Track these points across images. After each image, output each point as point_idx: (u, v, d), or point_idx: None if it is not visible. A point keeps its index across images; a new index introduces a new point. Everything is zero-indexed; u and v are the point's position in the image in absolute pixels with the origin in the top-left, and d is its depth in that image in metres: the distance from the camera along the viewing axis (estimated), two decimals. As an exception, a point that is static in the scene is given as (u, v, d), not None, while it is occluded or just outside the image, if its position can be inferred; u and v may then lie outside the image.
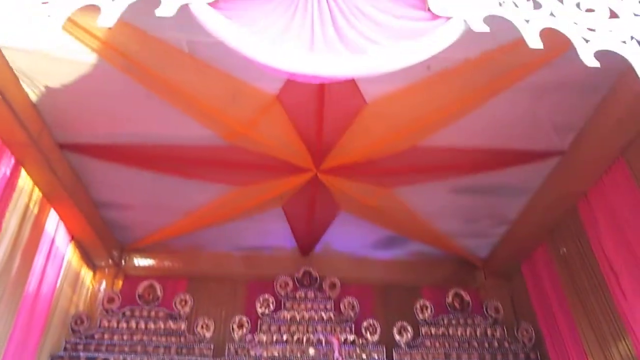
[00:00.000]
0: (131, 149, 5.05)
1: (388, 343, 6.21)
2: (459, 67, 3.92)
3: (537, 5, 2.86)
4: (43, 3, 2.68)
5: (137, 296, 6.46)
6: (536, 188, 5.51)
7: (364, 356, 6.03)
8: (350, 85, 4.16)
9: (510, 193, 5.70)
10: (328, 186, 5.59)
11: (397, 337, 6.23)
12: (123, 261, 7.04)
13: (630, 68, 2.74)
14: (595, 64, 2.70)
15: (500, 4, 2.85)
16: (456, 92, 4.19)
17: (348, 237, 6.95)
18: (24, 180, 4.89)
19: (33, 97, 4.37)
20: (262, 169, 5.40)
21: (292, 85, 4.09)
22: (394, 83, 4.16)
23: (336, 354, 5.61)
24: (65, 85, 4.22)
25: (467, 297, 6.64)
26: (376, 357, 6.03)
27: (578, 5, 2.88)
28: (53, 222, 5.53)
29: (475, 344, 6.19)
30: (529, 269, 6.44)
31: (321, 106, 4.41)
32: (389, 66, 2.88)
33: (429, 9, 2.91)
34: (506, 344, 6.20)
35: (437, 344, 6.19)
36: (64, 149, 5.03)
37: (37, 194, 5.13)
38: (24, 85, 4.24)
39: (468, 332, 6.31)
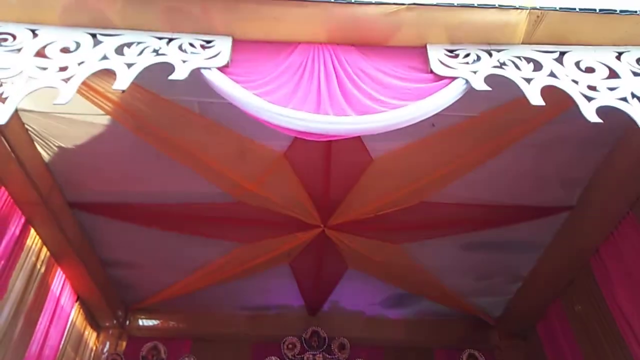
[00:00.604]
0: (140, 208, 5.10)
1: (401, 411, 5.93)
2: (463, 124, 3.99)
3: (538, 67, 2.95)
4: (61, 69, 2.80)
5: (140, 358, 6.29)
6: (547, 243, 5.45)
7: None
8: (357, 142, 4.23)
9: (521, 249, 5.63)
10: (336, 242, 5.55)
11: (409, 400, 5.96)
12: (127, 321, 6.91)
13: (633, 123, 2.79)
14: (598, 120, 2.75)
15: (501, 66, 2.95)
16: (461, 149, 4.24)
17: (357, 296, 6.82)
18: (33, 239, 4.89)
19: (46, 157, 4.46)
20: (269, 226, 5.40)
21: (300, 143, 4.18)
22: (400, 140, 4.22)
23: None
24: (77, 146, 4.32)
25: (482, 359, 6.39)
26: None
27: (577, 64, 2.98)
28: (59, 282, 5.48)
29: (493, 409, 5.91)
30: (544, 327, 6.24)
31: (328, 163, 4.47)
32: (394, 124, 2.95)
33: (431, 71, 3.01)
34: (525, 408, 5.91)
35: (453, 411, 5.91)
36: (74, 208, 5.08)
37: (44, 253, 5.12)
38: (38, 146, 4.34)
39: (484, 397, 6.04)
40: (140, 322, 6.98)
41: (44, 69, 2.81)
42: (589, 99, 2.83)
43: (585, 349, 5.34)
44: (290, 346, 6.53)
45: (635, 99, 2.85)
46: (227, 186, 4.76)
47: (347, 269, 6.22)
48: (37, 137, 4.24)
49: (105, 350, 6.69)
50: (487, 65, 2.96)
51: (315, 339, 6.66)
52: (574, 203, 4.85)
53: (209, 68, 2.90)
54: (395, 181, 4.68)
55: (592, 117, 2.76)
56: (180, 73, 2.83)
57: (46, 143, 4.31)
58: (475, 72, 2.94)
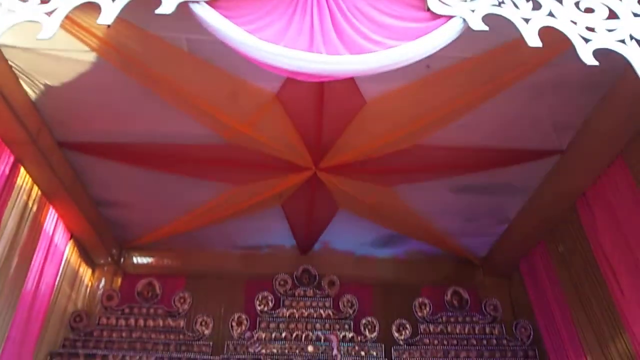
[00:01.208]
0: (130, 148, 5.06)
1: (387, 341, 6.23)
2: (458, 65, 3.92)
3: (537, 6, 2.87)
4: (43, 2, 2.68)
5: (136, 294, 6.46)
6: (535, 187, 5.52)
7: (362, 353, 6.04)
8: (350, 84, 4.16)
9: (510, 192, 5.72)
10: (327, 184, 5.59)
11: (395, 334, 6.25)
12: (122, 259, 7.05)
13: (629, 67, 2.75)
14: (594, 62, 2.72)
15: (499, 4, 2.86)
16: (455, 91, 4.19)
17: (347, 236, 6.97)
18: (23, 178, 4.88)
19: (32, 95, 4.36)
20: (261, 168, 5.40)
21: (292, 84, 4.10)
22: (393, 82, 4.15)
23: (335, 351, 5.63)
24: (64, 84, 4.21)
25: (465, 295, 6.66)
26: (374, 355, 6.04)
27: (577, 5, 2.89)
28: (52, 221, 5.53)
29: (474, 342, 6.22)
30: (527, 267, 6.47)
31: (320, 105, 4.41)
32: (388, 65, 2.89)
33: (428, 9, 2.92)
34: (504, 342, 6.23)
35: (436, 342, 6.21)
36: (63, 147, 5.03)
37: (36, 192, 5.13)
38: (23, 84, 4.23)
39: (467, 330, 6.33)
40: (135, 260, 7.13)
41: (25, 1, 2.70)
42: (587, 40, 2.78)
43: (566, 287, 5.54)
44: (282, 283, 6.73)
45: (633, 41, 2.80)
46: (218, 127, 4.71)
47: (338, 210, 6.30)
48: (22, 74, 4.13)
49: (100, 286, 6.87)
50: (485, 3, 2.87)
51: (306, 276, 6.86)
52: (565, 147, 4.87)
53: (198, 2, 2.78)
54: (388, 124, 4.66)
55: (589, 60, 2.72)
56: (167, 7, 2.71)
57: (32, 81, 4.20)
58: (473, 11, 2.85)
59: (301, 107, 4.50)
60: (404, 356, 6.07)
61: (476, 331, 6.33)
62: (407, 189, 5.72)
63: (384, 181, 5.63)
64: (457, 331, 6.33)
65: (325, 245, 7.17)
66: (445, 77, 4.02)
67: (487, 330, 6.34)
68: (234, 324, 6.23)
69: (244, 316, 6.31)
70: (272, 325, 6.29)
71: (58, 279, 5.77)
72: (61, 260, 5.83)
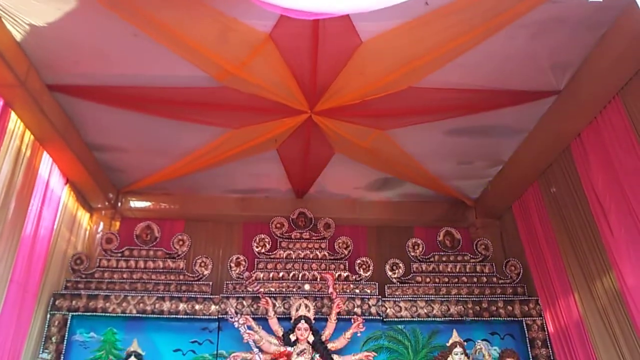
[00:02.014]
0: (121, 91, 4.96)
1: (380, 279, 6.42)
2: (457, 2, 3.80)
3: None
4: None
5: (134, 237, 6.56)
6: (531, 129, 5.53)
7: (357, 291, 6.25)
8: (345, 22, 4.03)
9: (505, 134, 5.72)
10: (322, 128, 5.56)
11: (389, 273, 6.44)
12: (119, 203, 7.10)
13: (631, 4, 2.68)
14: (597, -2, 2.64)
15: None
16: (454, 29, 4.08)
17: (342, 180, 7.02)
18: (14, 123, 4.82)
19: (17, 36, 4.23)
20: (255, 111, 5.34)
21: (285, 22, 3.97)
22: (391, 20, 4.03)
23: (330, 289, 5.81)
24: (49, 24, 4.07)
25: (457, 235, 6.80)
26: (368, 292, 6.25)
27: None
28: (47, 165, 5.51)
29: (465, 279, 6.42)
30: (519, 208, 6.58)
31: (315, 45, 4.30)
32: (386, 2, 2.79)
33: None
34: (494, 279, 6.44)
35: (428, 280, 6.41)
36: (53, 91, 4.94)
37: (28, 136, 5.08)
38: (7, 24, 4.09)
39: (458, 268, 6.53)
40: (132, 204, 7.18)
41: None
42: (590, -26, 2.69)
43: (556, 227, 5.67)
44: (278, 225, 6.83)
45: (638, -25, 2.71)
46: (211, 69, 4.61)
47: (334, 154, 6.31)
48: (4, 13, 3.97)
49: (99, 230, 6.96)
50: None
51: (302, 219, 6.96)
52: (562, 88, 4.83)
53: None
54: (385, 65, 4.57)
55: (592, -5, 2.65)
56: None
57: (15, 20, 4.05)
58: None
59: (295, 48, 4.39)
60: (397, 293, 6.29)
61: (467, 269, 6.53)
62: (402, 132, 5.70)
63: (379, 124, 5.59)
64: (449, 269, 6.53)
65: (321, 189, 7.24)
66: (444, 15, 3.91)
67: (478, 268, 6.54)
68: (232, 264, 6.38)
69: (242, 257, 6.45)
70: (269, 265, 6.45)
71: (56, 223, 5.83)
72: (58, 204, 5.86)
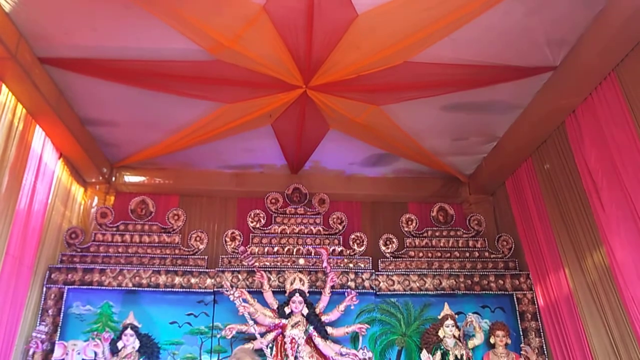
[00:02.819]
0: (114, 64, 4.91)
1: (374, 254, 6.49)
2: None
3: None
4: None
5: (129, 211, 6.56)
6: (525, 105, 5.53)
7: (351, 265, 6.33)
8: (341, -6, 3.99)
9: (500, 110, 5.72)
10: (317, 103, 5.54)
11: (382, 248, 6.51)
12: (113, 178, 7.08)
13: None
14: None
15: None
16: (450, 3, 4.04)
17: (337, 155, 7.02)
18: (6, 96, 4.77)
19: (6, 6, 4.15)
20: (250, 86, 5.30)
21: (280, -7, 3.92)
22: (387, -7, 3.99)
23: (324, 263, 5.88)
24: (39, -6, 4.00)
25: (451, 211, 6.86)
26: (362, 266, 6.33)
27: None
28: (39, 139, 5.47)
29: (457, 254, 6.51)
30: (512, 184, 6.63)
31: (310, 17, 4.25)
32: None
33: None
34: (486, 254, 6.53)
35: (421, 254, 6.50)
36: (45, 63, 4.88)
37: (20, 110, 5.03)
38: (-5, -6, 4.02)
39: (450, 243, 6.61)
40: (127, 179, 7.16)
41: None
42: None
43: (549, 203, 5.72)
44: (273, 201, 6.85)
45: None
46: (204, 42, 4.56)
47: (329, 130, 6.30)
48: (-7, -17, 3.90)
49: (94, 204, 6.95)
50: None
51: (296, 194, 6.99)
52: (558, 63, 4.82)
53: None
54: (381, 39, 4.53)
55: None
56: None
57: (3, -10, 3.98)
58: None
59: (290, 20, 4.33)
60: (390, 267, 6.37)
61: (459, 244, 6.61)
62: (397, 108, 5.68)
63: (374, 99, 5.57)
64: (442, 244, 6.60)
65: (316, 165, 7.24)
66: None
67: (470, 243, 6.62)
68: (227, 239, 6.42)
69: (237, 232, 6.49)
70: (264, 240, 6.50)
71: (51, 197, 5.81)
72: (52, 178, 5.84)
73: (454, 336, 5.63)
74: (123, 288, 5.92)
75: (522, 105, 5.56)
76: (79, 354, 5.21)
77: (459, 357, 5.52)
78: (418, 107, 5.63)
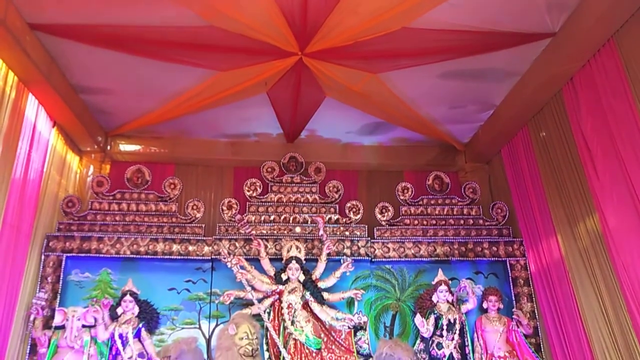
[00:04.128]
0: (105, 30, 4.81)
1: (370, 222, 6.56)
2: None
3: None
4: None
5: (125, 180, 6.56)
6: (523, 72, 5.49)
7: (347, 233, 6.39)
8: (337, -44, 3.90)
9: (497, 77, 5.68)
10: (313, 70, 5.48)
11: (378, 216, 6.57)
12: (108, 147, 7.04)
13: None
14: None
15: None
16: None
17: (334, 124, 6.99)
18: (-4, 63, 4.70)
19: (-7, -31, 4.04)
20: (244, 53, 5.22)
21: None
22: (384, -45, 3.90)
23: (321, 231, 5.94)
24: (27, -44, 3.89)
25: (446, 179, 6.90)
26: (358, 234, 6.39)
27: None
28: (33, 107, 5.40)
29: (452, 222, 6.58)
30: (508, 152, 6.64)
31: (306, -19, 4.17)
32: None
33: None
34: (480, 222, 6.60)
35: (416, 222, 6.56)
36: (35, 29, 4.78)
37: (12, 78, 4.95)
38: (-19, -43, 3.90)
39: (445, 211, 6.67)
40: (122, 147, 7.12)
41: None
42: None
43: (544, 171, 5.75)
44: (269, 170, 6.86)
45: None
46: (198, 7, 4.47)
47: (325, 98, 6.25)
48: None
49: (89, 173, 6.94)
50: None
51: (293, 163, 6.99)
52: (557, 30, 4.76)
53: None
54: (378, 2, 4.44)
55: None
56: None
57: (-10, -48, 3.86)
58: None
59: (285, -17, 4.25)
60: (386, 235, 6.44)
61: (454, 212, 6.67)
62: (394, 76, 5.64)
63: (371, 67, 5.52)
64: (437, 212, 6.67)
65: (312, 133, 7.22)
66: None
67: (465, 211, 6.69)
68: (224, 207, 6.45)
69: (233, 200, 6.51)
70: (261, 209, 6.54)
71: (46, 165, 5.79)
72: (47, 147, 5.79)
73: (448, 301, 5.76)
74: (121, 256, 5.98)
75: (520, 72, 5.52)
76: (79, 320, 5.28)
77: (452, 321, 5.66)
78: (415, 75, 5.58)
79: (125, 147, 7.14)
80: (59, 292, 5.72)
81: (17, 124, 5.08)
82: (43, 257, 5.82)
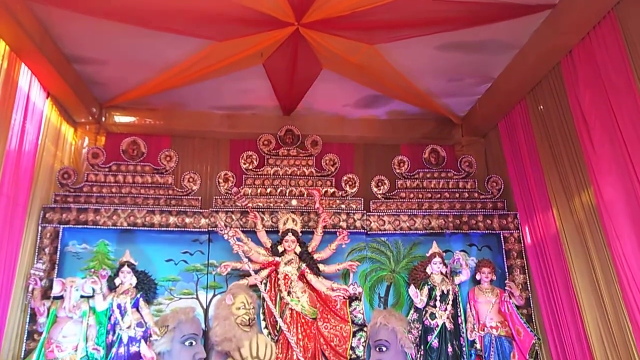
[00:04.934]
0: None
1: (366, 195, 6.58)
2: None
3: None
4: None
5: (121, 152, 6.53)
6: (522, 44, 5.43)
7: (342, 206, 6.42)
8: None
9: (496, 50, 5.62)
10: (310, 42, 5.41)
11: (374, 189, 6.60)
12: (103, 118, 6.98)
13: None
14: None
15: None
16: None
17: (331, 96, 6.93)
18: (-13, 32, 4.62)
19: None
20: (239, 22, 5.14)
21: None
22: None
23: (317, 204, 5.97)
24: None
25: (443, 153, 6.90)
26: (354, 207, 6.43)
27: None
28: (26, 78, 5.33)
29: (447, 195, 6.62)
30: (505, 126, 6.63)
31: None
32: None
33: None
34: (476, 195, 6.64)
35: (412, 195, 6.60)
36: (26, -3, 4.69)
37: (3, 47, 4.87)
38: None
39: (441, 185, 6.70)
40: (117, 119, 7.06)
41: None
42: None
43: (541, 144, 5.74)
44: (265, 142, 6.84)
45: None
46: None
47: (322, 70, 6.19)
48: None
49: (85, 145, 6.90)
50: None
51: (289, 136, 6.96)
52: (556, 1, 4.70)
53: None
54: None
55: None
56: None
57: None
58: None
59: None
60: (381, 208, 6.48)
61: (450, 185, 6.70)
62: (391, 47, 5.56)
63: (368, 38, 5.45)
64: (432, 186, 6.70)
65: (309, 106, 7.16)
66: None
67: (460, 184, 6.72)
68: (220, 180, 6.46)
69: (230, 173, 6.52)
70: (257, 182, 6.55)
71: (41, 137, 5.73)
72: (41, 118, 5.74)
73: (441, 273, 5.85)
74: (118, 227, 6.00)
75: (519, 45, 5.46)
76: (77, 290, 5.34)
77: (445, 292, 5.76)
78: (413, 47, 5.52)
79: (120, 118, 7.08)
80: (57, 263, 5.76)
81: (10, 94, 5.02)
82: (40, 228, 5.83)
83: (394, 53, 5.69)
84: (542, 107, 5.75)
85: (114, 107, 7.00)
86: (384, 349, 5.35)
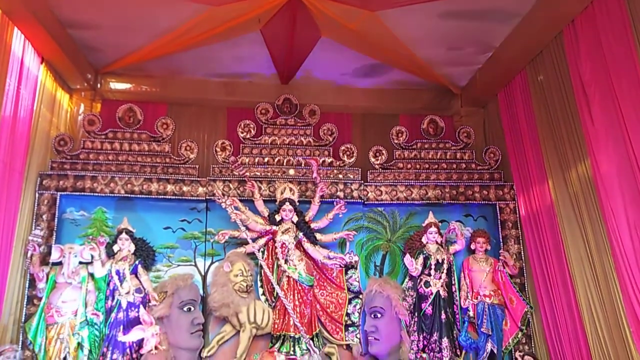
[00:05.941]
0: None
1: (364, 165, 6.59)
2: None
3: None
4: None
5: (117, 119, 6.47)
6: (525, 13, 5.34)
7: (340, 176, 6.43)
8: None
9: (498, 18, 5.52)
10: (309, 7, 5.31)
11: (372, 159, 6.59)
12: (98, 84, 6.88)
13: None
14: None
15: None
16: None
17: (329, 65, 6.85)
18: (-23, -6, 4.50)
19: None
20: (238, -13, 5.04)
21: None
22: None
23: (314, 174, 5.98)
24: None
25: (441, 123, 6.87)
26: (351, 177, 6.44)
27: None
28: (19, 42, 5.23)
29: (444, 166, 6.63)
30: (505, 96, 6.57)
31: None
32: None
33: None
34: (473, 166, 6.65)
35: (409, 166, 6.61)
36: (17, -42, 4.56)
37: (-5, 10, 4.78)
38: None
39: (439, 155, 6.70)
40: (112, 86, 6.97)
41: None
42: None
43: (539, 115, 5.71)
44: (263, 111, 6.78)
45: None
46: None
47: (320, 38, 6.09)
48: None
49: (80, 111, 6.83)
50: None
51: (287, 105, 6.91)
52: (561, -32, 4.61)
53: None
54: None
55: None
56: None
57: None
58: None
59: None
60: (379, 178, 6.50)
61: (448, 156, 6.70)
62: (391, 14, 5.46)
63: (369, 4, 5.34)
64: (430, 156, 6.69)
65: (307, 75, 7.07)
66: None
67: (458, 155, 6.72)
68: (218, 149, 6.43)
69: (227, 142, 6.49)
70: (254, 151, 6.53)
71: (36, 103, 5.67)
72: (36, 84, 5.66)
73: (437, 242, 5.91)
74: (115, 195, 6.01)
75: (521, 13, 5.36)
76: (75, 256, 5.39)
77: (440, 261, 5.84)
78: (414, 14, 5.42)
79: (116, 85, 6.99)
80: (55, 229, 5.79)
81: (3, 59, 4.95)
82: (37, 195, 5.84)
83: (394, 20, 5.59)
84: (542, 77, 5.70)
85: (110, 74, 6.90)
86: (379, 315, 5.45)
